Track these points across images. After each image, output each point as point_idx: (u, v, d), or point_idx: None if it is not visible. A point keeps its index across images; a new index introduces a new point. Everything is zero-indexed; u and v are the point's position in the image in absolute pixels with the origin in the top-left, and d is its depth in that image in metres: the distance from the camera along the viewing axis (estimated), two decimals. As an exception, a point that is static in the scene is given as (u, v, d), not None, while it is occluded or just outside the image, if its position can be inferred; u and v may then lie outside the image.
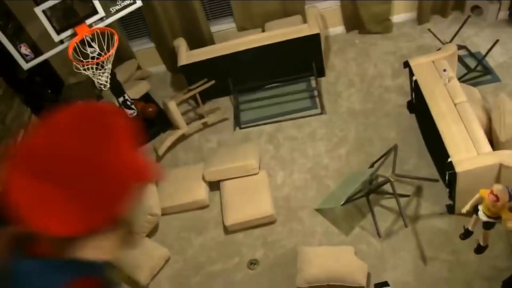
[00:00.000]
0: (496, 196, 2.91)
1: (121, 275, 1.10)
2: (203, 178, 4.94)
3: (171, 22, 6.06)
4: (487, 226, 3.17)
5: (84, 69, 4.63)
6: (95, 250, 0.93)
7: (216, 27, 6.32)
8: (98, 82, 4.78)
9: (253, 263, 4.41)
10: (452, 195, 4.08)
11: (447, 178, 3.96)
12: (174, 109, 5.31)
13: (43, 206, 0.86)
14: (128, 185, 0.93)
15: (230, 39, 5.80)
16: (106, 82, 4.80)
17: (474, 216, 3.25)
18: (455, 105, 4.22)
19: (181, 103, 5.82)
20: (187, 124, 5.58)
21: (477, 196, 3.13)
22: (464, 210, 3.22)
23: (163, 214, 4.78)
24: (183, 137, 5.65)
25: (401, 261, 4.07)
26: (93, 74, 4.70)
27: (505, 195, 2.90)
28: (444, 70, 4.44)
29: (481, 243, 3.44)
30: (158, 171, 0.93)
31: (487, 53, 5.34)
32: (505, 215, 2.95)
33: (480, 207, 3.09)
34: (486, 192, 3.01)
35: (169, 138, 5.44)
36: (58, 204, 0.85)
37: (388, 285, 3.52)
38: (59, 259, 0.94)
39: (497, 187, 2.92)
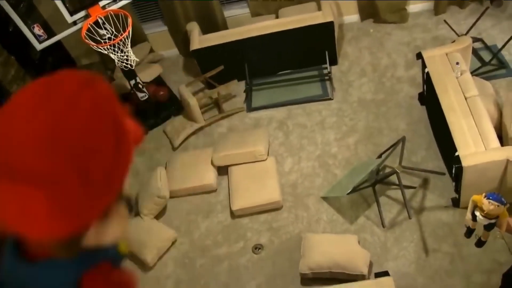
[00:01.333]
0: (492, 211, 2.94)
1: (124, 247, 0.96)
2: (212, 163, 5.00)
3: (184, 5, 6.07)
4: (489, 227, 3.19)
5: (109, 52, 4.68)
6: (104, 235, 0.82)
7: (230, 12, 6.32)
8: (123, 63, 4.85)
9: (257, 247, 4.48)
10: (458, 189, 4.08)
11: (453, 171, 3.97)
12: (195, 105, 5.33)
13: (23, 212, 0.69)
14: (132, 152, 0.79)
15: (243, 25, 5.80)
16: (133, 62, 4.88)
17: (473, 222, 3.27)
18: (466, 98, 4.20)
19: (197, 94, 5.86)
20: (201, 109, 5.58)
21: (470, 203, 3.14)
22: (467, 218, 3.24)
23: (171, 197, 4.86)
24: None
25: (404, 251, 4.11)
26: (116, 56, 4.76)
27: (498, 209, 2.92)
28: (457, 63, 4.41)
29: (482, 239, 3.47)
30: (142, 133, 0.75)
31: (503, 46, 5.26)
32: (503, 215, 2.97)
33: (477, 213, 3.10)
34: (479, 199, 3.02)
35: (185, 131, 5.49)
36: (42, 204, 0.68)
37: (388, 274, 3.56)
38: (64, 258, 0.82)
39: (487, 207, 2.93)
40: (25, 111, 0.68)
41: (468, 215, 3.19)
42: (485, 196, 2.97)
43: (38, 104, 0.69)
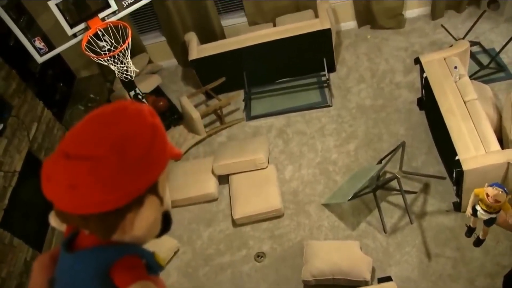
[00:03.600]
0: (495, 199, 2.95)
1: (161, 259, 1.05)
2: (213, 172, 5.00)
3: (182, 16, 6.11)
4: (489, 222, 3.20)
5: (109, 63, 4.70)
6: (136, 224, 0.92)
7: (227, 21, 6.35)
8: (123, 74, 4.86)
9: (260, 255, 4.48)
10: (459, 193, 4.08)
11: (454, 175, 3.97)
12: (198, 118, 5.36)
13: (70, 182, 0.85)
14: (165, 154, 0.94)
15: (241, 34, 5.83)
16: (133, 73, 4.89)
17: (473, 217, 3.27)
18: (465, 102, 4.21)
19: (199, 105, 5.91)
20: (202, 117, 5.60)
21: (472, 197, 3.15)
22: (467, 213, 3.24)
23: (173, 207, 4.84)
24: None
25: (406, 256, 4.10)
26: (116, 68, 4.77)
27: (503, 195, 2.93)
28: (455, 67, 4.42)
29: (481, 237, 3.47)
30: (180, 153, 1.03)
31: (501, 49, 5.27)
32: (506, 207, 2.98)
33: (478, 207, 3.10)
34: (481, 192, 3.03)
35: (186, 142, 5.52)
36: (86, 173, 0.85)
37: (391, 280, 3.55)
38: (101, 245, 0.94)
39: (492, 192, 2.94)
40: (88, 118, 0.91)
41: (469, 209, 3.19)
42: (488, 186, 2.99)
43: (97, 115, 0.91)
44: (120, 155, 0.85)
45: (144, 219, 0.93)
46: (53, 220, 1.04)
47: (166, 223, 1.04)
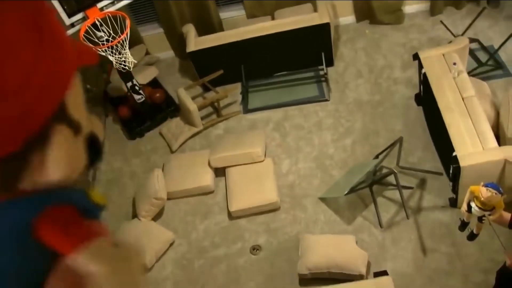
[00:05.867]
0: (488, 200, 2.96)
1: (98, 197, 0.79)
2: (209, 164, 4.99)
3: (180, 7, 6.06)
4: (482, 220, 3.20)
5: (107, 54, 4.68)
6: (46, 167, 0.69)
7: (226, 14, 6.32)
8: (121, 65, 4.84)
9: (255, 248, 4.48)
10: (455, 189, 4.09)
11: (451, 171, 3.97)
12: (195, 111, 5.33)
13: None
14: (68, 64, 0.67)
15: (239, 26, 5.80)
16: (131, 64, 4.87)
17: (467, 213, 3.27)
18: (463, 99, 4.21)
19: (196, 98, 5.88)
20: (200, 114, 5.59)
21: (468, 194, 3.15)
22: (462, 209, 3.25)
23: (168, 199, 4.85)
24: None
25: (402, 251, 4.11)
26: (114, 58, 4.75)
27: (496, 197, 2.93)
28: (454, 64, 4.42)
29: (475, 232, 3.47)
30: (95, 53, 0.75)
31: (499, 47, 5.29)
32: (498, 206, 2.99)
33: (473, 204, 3.11)
34: (477, 189, 3.03)
35: (183, 134, 5.50)
36: None
37: (387, 274, 3.56)
38: (13, 199, 0.71)
39: (485, 194, 2.94)
40: None
41: (464, 206, 3.20)
42: (483, 185, 2.99)
43: None
44: None
45: (57, 157, 0.70)
46: None
47: (93, 150, 0.79)
